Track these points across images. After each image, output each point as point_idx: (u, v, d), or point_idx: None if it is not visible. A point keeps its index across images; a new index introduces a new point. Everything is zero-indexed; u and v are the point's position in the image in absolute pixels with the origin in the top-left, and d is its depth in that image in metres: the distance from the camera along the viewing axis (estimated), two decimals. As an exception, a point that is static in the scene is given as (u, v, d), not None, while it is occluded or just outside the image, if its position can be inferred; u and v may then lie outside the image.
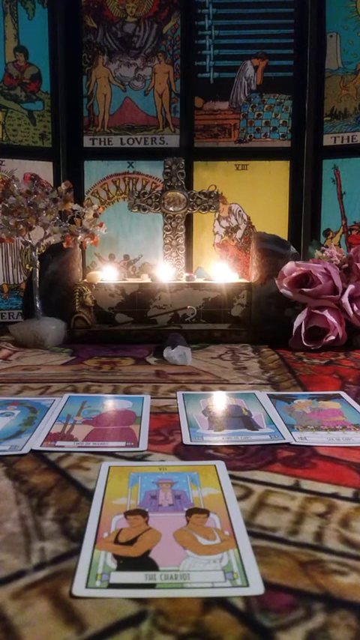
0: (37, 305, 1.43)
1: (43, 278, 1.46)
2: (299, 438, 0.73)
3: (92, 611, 0.39)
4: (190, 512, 0.52)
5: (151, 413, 0.84)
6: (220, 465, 0.63)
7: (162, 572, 0.43)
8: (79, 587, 0.42)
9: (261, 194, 1.83)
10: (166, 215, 1.58)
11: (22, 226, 1.37)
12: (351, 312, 1.31)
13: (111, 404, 0.89)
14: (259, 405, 0.87)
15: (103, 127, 1.82)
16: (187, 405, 0.87)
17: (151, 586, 0.42)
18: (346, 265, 1.40)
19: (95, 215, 1.45)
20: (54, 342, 1.38)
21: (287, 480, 0.60)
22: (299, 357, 1.24)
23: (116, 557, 0.45)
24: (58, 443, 0.71)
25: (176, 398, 0.92)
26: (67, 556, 0.46)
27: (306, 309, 1.33)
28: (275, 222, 1.83)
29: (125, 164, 1.84)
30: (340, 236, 1.81)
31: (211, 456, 0.67)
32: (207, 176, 1.84)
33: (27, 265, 1.80)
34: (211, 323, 1.50)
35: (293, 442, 0.71)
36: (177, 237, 1.58)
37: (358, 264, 1.36)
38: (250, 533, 0.49)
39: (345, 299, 1.31)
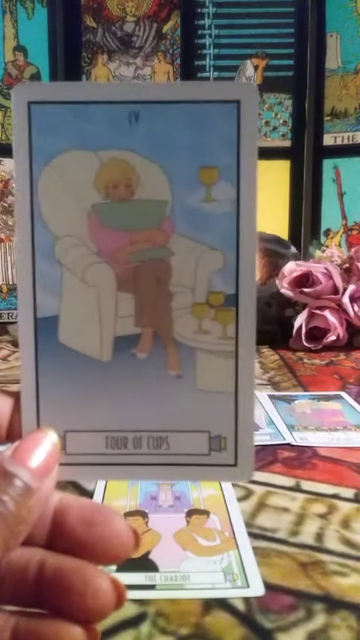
0: (37, 305, 1.42)
1: (42, 278, 1.46)
2: (300, 438, 0.73)
3: (92, 612, 0.39)
4: (190, 513, 0.52)
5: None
6: (221, 466, 0.63)
7: (162, 574, 0.43)
8: (78, 589, 0.41)
9: (261, 194, 1.80)
10: (166, 215, 1.57)
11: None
12: (352, 313, 1.31)
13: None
14: (259, 406, 0.87)
15: (103, 127, 1.82)
16: (187, 406, 0.87)
17: (151, 587, 0.42)
18: (347, 265, 1.40)
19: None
20: (54, 342, 1.37)
21: (288, 481, 0.60)
22: (300, 358, 1.24)
23: (116, 558, 0.45)
24: (58, 443, 0.71)
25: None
26: (66, 557, 0.46)
27: (306, 310, 1.33)
28: (275, 222, 1.82)
29: (125, 164, 1.84)
30: (341, 236, 1.81)
31: (211, 456, 0.67)
32: (207, 176, 1.84)
33: (27, 265, 1.80)
34: (211, 323, 1.49)
35: (294, 443, 0.71)
36: (177, 237, 1.58)
37: (358, 264, 1.35)
38: (251, 534, 0.49)
39: (346, 299, 1.31)
